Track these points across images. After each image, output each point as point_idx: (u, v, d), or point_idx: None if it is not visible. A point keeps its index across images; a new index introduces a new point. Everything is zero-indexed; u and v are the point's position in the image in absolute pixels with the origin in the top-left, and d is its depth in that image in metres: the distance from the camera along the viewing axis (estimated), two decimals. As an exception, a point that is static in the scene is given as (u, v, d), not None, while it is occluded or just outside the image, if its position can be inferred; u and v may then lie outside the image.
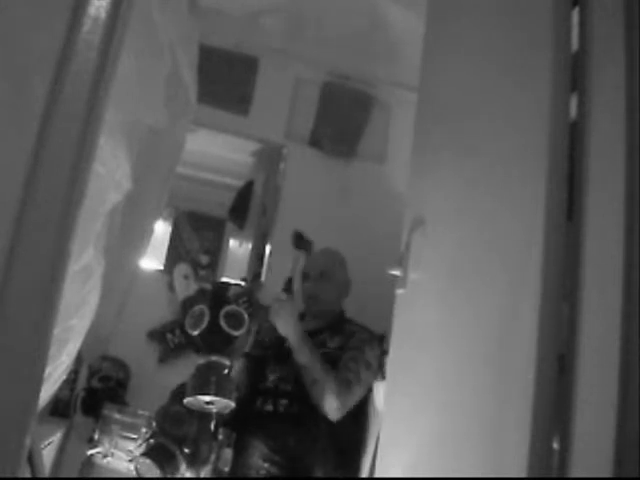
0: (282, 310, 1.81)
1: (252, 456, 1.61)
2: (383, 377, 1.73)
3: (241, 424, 1.63)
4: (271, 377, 1.85)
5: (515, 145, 0.96)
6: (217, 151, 2.92)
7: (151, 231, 1.89)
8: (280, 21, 2.54)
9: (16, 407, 0.62)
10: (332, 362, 1.83)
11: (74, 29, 0.66)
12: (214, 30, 2.37)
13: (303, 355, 1.76)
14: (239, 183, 2.99)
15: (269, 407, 1.80)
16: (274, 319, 1.79)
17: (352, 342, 1.89)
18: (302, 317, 2.13)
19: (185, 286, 2.21)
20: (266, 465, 1.60)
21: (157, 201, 1.86)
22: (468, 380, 0.98)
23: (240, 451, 1.59)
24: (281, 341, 1.93)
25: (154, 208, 1.86)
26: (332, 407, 1.71)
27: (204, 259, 2.78)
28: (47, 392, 1.23)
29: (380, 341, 1.95)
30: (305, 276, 2.11)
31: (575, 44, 0.87)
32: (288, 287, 1.95)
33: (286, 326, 1.79)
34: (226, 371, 1.44)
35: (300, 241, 2.13)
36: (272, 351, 1.91)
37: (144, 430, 1.49)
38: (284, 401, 1.79)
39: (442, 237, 1.19)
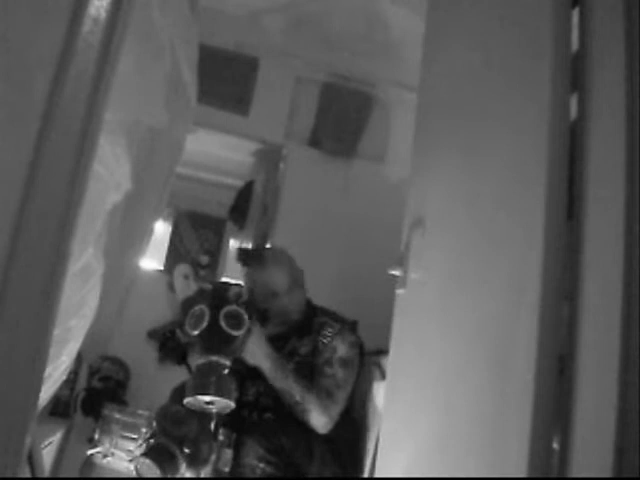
0: (249, 340, 1.62)
1: (247, 456, 1.61)
2: (383, 377, 1.72)
3: (236, 425, 1.62)
4: (251, 390, 1.81)
5: (515, 145, 0.96)
6: (217, 151, 2.92)
7: (151, 231, 1.89)
8: (280, 21, 2.54)
9: (16, 407, 0.62)
10: (307, 370, 1.78)
11: (74, 29, 0.66)
12: (214, 30, 2.37)
13: (278, 381, 1.69)
14: (239, 183, 2.99)
15: (254, 419, 1.76)
16: (247, 352, 1.63)
17: (322, 340, 1.82)
18: (265, 319, 1.94)
19: (185, 286, 2.21)
20: (261, 465, 1.60)
21: (157, 201, 1.86)
22: (468, 380, 0.98)
23: (235, 451, 1.58)
24: None
25: (154, 208, 1.86)
26: (319, 423, 1.68)
27: (204, 259, 2.79)
28: (47, 392, 1.23)
29: (352, 328, 1.90)
30: (273, 294, 1.91)
31: (575, 44, 0.87)
32: (249, 311, 1.76)
33: (255, 356, 1.66)
34: (226, 371, 1.44)
35: (246, 257, 1.97)
36: (245, 367, 1.77)
37: (144, 430, 1.49)
38: (268, 414, 1.76)
39: (442, 237, 1.19)
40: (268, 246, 2.60)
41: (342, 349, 1.80)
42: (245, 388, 1.80)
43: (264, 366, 1.69)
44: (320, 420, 1.68)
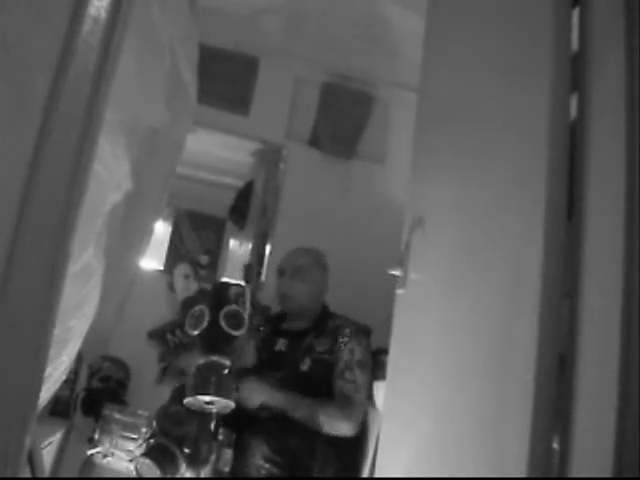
0: (252, 392, 1.77)
1: (253, 456, 1.61)
2: (383, 377, 1.73)
3: (241, 425, 1.63)
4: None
5: (515, 145, 0.96)
6: (217, 151, 2.92)
7: (151, 231, 1.89)
8: (280, 21, 2.54)
9: (16, 407, 0.62)
10: (322, 366, 1.86)
11: (74, 29, 0.66)
12: (214, 30, 2.37)
13: (295, 412, 1.76)
14: (239, 183, 2.99)
15: (265, 412, 1.80)
16: (250, 401, 1.75)
17: (340, 340, 1.90)
18: (283, 317, 2.13)
19: (185, 286, 2.21)
20: (267, 465, 1.60)
21: (157, 201, 1.85)
22: (468, 380, 0.98)
23: (241, 451, 1.59)
24: (271, 349, 1.95)
25: (154, 208, 1.85)
26: (346, 429, 1.75)
27: (204, 259, 2.78)
28: (47, 392, 1.23)
29: (366, 332, 1.95)
30: (280, 272, 2.11)
31: (575, 44, 0.87)
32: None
33: (264, 400, 1.77)
34: (226, 371, 1.44)
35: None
36: (264, 357, 1.93)
37: (144, 430, 1.49)
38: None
39: (442, 237, 1.19)
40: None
41: (359, 351, 1.88)
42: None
43: (277, 404, 1.76)
44: (345, 426, 1.75)
